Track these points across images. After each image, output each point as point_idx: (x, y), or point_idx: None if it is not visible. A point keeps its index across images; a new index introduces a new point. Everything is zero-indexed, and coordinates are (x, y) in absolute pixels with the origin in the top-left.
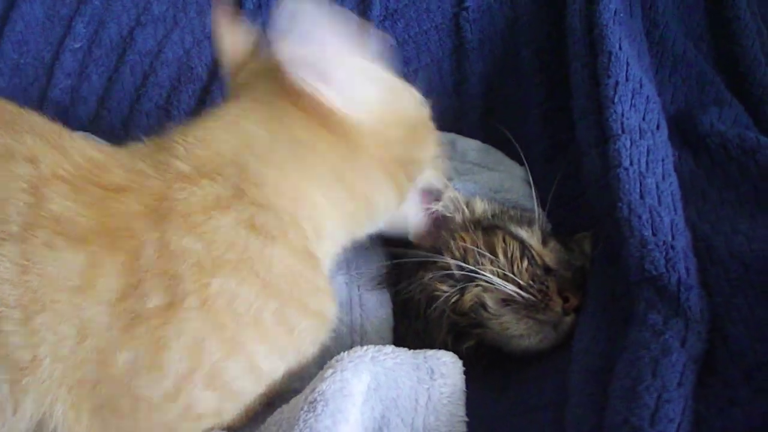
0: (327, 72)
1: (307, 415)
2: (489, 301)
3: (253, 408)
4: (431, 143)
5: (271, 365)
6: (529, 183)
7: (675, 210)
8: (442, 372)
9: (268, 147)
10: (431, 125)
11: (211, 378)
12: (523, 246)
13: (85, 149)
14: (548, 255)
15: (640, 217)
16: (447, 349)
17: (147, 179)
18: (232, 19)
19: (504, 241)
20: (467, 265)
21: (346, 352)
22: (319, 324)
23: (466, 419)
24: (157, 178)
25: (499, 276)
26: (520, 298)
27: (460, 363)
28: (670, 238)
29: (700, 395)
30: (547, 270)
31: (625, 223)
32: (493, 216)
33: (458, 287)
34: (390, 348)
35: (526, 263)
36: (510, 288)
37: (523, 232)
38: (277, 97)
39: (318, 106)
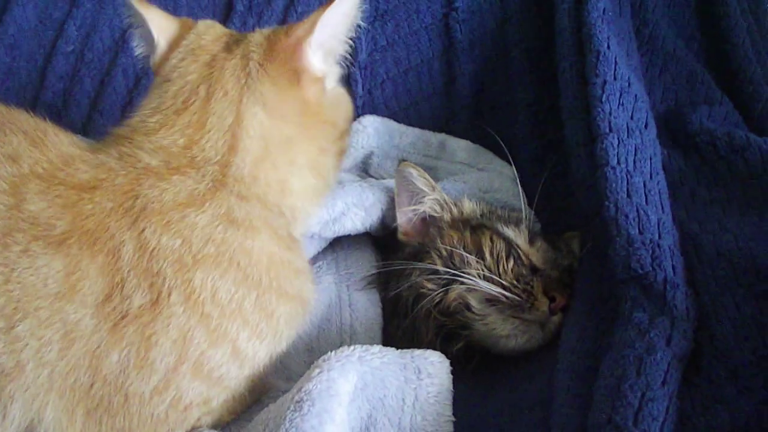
0: (331, 52)
1: (293, 415)
2: (473, 300)
3: (241, 400)
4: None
5: (253, 349)
6: (518, 182)
7: (662, 208)
8: (429, 372)
9: (262, 144)
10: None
11: (197, 367)
12: (510, 245)
13: (61, 145)
14: (535, 254)
15: (626, 216)
16: (437, 349)
17: (115, 176)
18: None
19: (491, 240)
20: (450, 269)
21: (333, 351)
22: (297, 307)
23: (453, 419)
24: (124, 174)
25: (482, 277)
26: (504, 299)
27: (447, 362)
28: (656, 237)
29: (686, 394)
30: (534, 269)
31: (611, 222)
32: (481, 215)
33: (443, 285)
34: (377, 347)
35: (512, 263)
36: (494, 289)
37: (510, 232)
38: (267, 87)
39: (311, 91)
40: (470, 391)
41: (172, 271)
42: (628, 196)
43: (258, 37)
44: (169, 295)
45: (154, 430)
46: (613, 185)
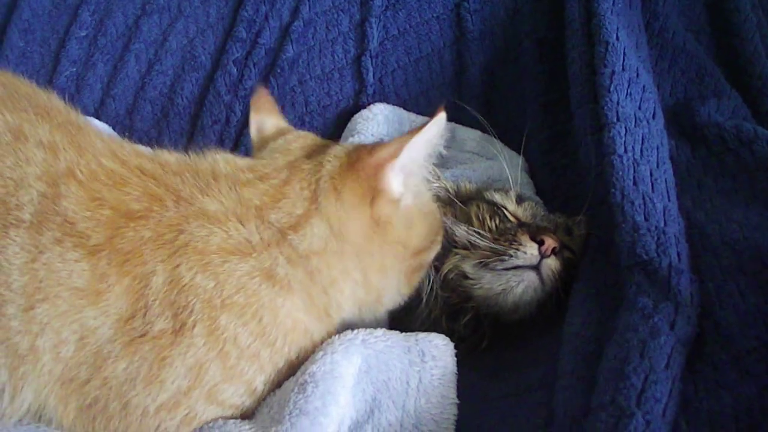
0: (411, 174)
1: (297, 397)
2: (466, 267)
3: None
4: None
5: (268, 389)
6: (527, 172)
7: (668, 197)
8: (434, 354)
9: (321, 245)
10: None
11: (211, 395)
12: (495, 206)
13: (101, 157)
14: (522, 212)
15: (632, 203)
16: (444, 327)
17: (166, 210)
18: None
19: (478, 207)
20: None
21: (337, 335)
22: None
23: (457, 401)
24: (176, 211)
25: (469, 242)
26: (491, 252)
27: (451, 346)
28: (662, 224)
29: (689, 379)
30: (521, 225)
31: (617, 209)
32: (476, 192)
33: (439, 260)
34: (381, 331)
35: (497, 220)
36: (480, 242)
37: (496, 196)
38: (358, 197)
39: (384, 212)
40: (475, 374)
41: (200, 307)
42: (635, 183)
43: (339, 150)
44: (194, 326)
45: None
46: (620, 173)
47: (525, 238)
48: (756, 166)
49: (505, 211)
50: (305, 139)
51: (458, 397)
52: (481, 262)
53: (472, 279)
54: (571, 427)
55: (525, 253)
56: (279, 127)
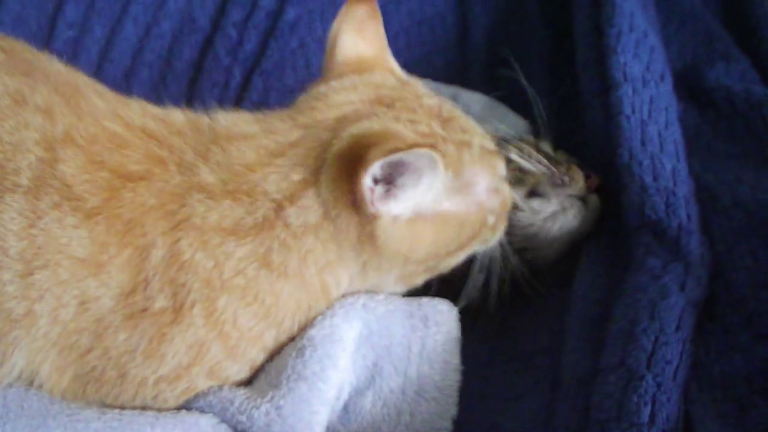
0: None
1: (295, 361)
2: (515, 195)
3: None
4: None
5: (265, 359)
6: (532, 135)
7: (677, 158)
8: (437, 320)
9: (323, 216)
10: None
11: (213, 372)
12: (537, 146)
13: (103, 119)
14: (560, 156)
15: (641, 164)
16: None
17: (170, 175)
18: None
19: (517, 147)
20: None
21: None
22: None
23: (461, 367)
24: (181, 178)
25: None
26: (546, 171)
27: (455, 311)
28: (671, 185)
29: (700, 341)
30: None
31: (625, 170)
32: (504, 138)
33: None
34: (382, 295)
35: (543, 154)
36: (534, 165)
37: (533, 139)
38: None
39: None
40: (479, 338)
41: (199, 286)
42: (643, 144)
43: (356, 129)
44: (192, 307)
45: (154, 407)
46: (627, 133)
47: (575, 168)
48: (765, 130)
49: (547, 152)
50: (362, 91)
51: (462, 362)
52: (530, 191)
53: (519, 206)
54: (578, 390)
55: (577, 183)
56: (357, 56)
